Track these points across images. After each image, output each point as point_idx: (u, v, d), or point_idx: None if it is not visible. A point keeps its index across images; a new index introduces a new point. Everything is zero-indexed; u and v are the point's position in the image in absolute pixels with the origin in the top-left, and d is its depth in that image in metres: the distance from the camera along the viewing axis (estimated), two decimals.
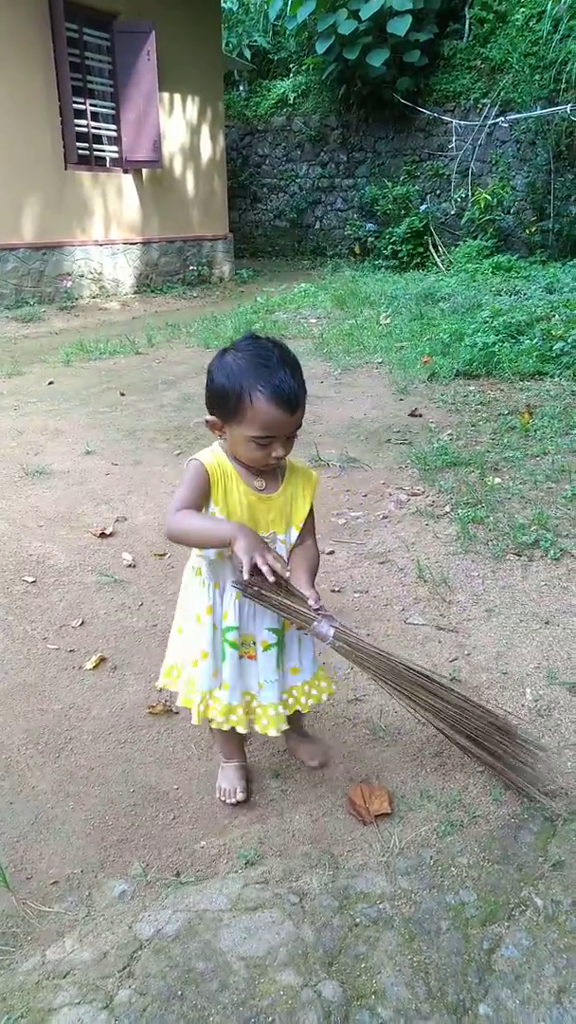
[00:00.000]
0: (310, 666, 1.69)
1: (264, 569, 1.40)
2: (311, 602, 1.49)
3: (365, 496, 3.38)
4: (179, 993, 1.29)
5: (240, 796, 1.72)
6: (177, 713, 2.02)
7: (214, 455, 1.53)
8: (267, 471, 1.54)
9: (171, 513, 1.49)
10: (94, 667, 2.22)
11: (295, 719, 1.76)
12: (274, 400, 1.41)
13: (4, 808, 1.72)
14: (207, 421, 1.51)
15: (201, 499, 1.51)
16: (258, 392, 1.40)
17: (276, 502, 1.55)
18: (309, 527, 1.62)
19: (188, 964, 1.34)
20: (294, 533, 1.58)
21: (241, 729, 1.62)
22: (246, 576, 1.42)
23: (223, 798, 1.73)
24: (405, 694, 1.60)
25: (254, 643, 1.60)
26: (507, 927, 1.40)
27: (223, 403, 1.45)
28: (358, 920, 1.42)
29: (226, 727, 1.62)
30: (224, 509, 1.51)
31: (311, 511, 1.60)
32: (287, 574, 1.48)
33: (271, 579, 1.42)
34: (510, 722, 1.74)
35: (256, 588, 1.47)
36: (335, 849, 1.59)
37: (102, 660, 2.26)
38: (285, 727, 1.63)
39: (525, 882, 1.49)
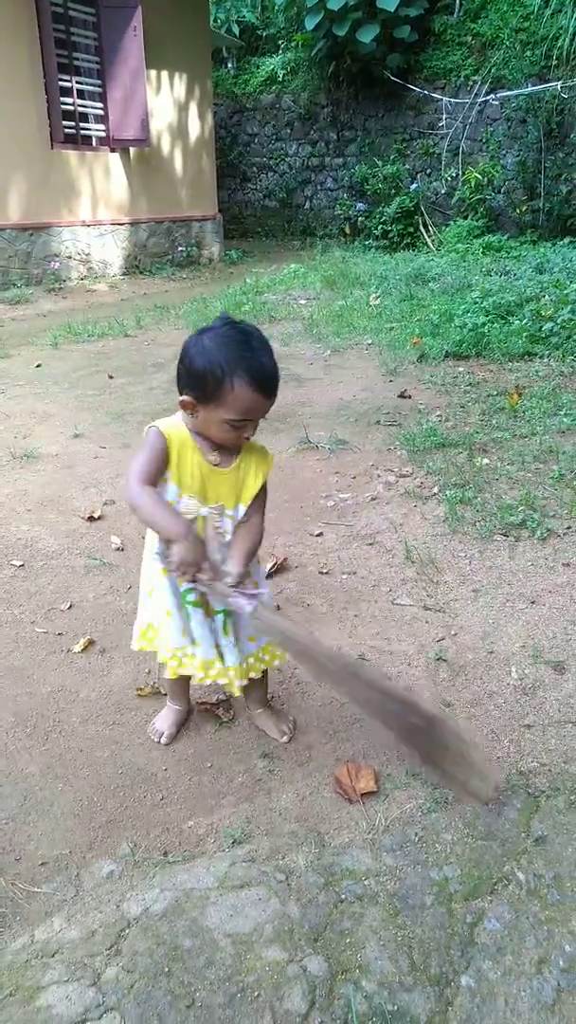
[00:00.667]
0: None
1: (192, 585, 1.53)
2: (229, 579, 1.53)
3: (354, 478, 3.38)
4: (166, 970, 1.31)
5: (164, 740, 1.86)
6: (165, 695, 2.03)
7: (172, 424, 1.57)
8: (224, 447, 1.58)
9: (132, 480, 1.52)
10: (82, 650, 2.23)
11: (258, 693, 1.87)
12: (255, 385, 1.44)
13: None
14: (180, 401, 1.53)
15: (159, 466, 1.55)
16: (239, 377, 1.43)
17: (228, 477, 1.59)
18: (258, 504, 1.64)
19: (175, 941, 1.36)
20: (242, 510, 1.63)
21: (223, 682, 1.72)
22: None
23: (152, 735, 1.88)
24: (325, 676, 1.61)
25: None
26: (490, 901, 1.42)
27: (201, 385, 1.47)
28: (343, 896, 1.44)
29: (207, 682, 1.74)
30: (176, 476, 1.57)
31: (263, 489, 1.64)
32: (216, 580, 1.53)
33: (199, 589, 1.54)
34: (438, 714, 1.66)
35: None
36: (321, 827, 1.61)
37: (90, 643, 2.26)
38: (243, 683, 1.73)
39: (508, 857, 1.51)
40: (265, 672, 1.82)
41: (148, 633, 1.77)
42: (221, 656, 1.71)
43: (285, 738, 1.87)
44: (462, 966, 1.31)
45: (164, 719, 1.90)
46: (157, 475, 1.55)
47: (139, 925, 1.40)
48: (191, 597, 1.64)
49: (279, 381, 1.50)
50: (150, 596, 1.73)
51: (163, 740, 1.86)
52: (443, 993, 1.27)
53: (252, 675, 1.77)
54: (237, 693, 1.74)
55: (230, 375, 1.43)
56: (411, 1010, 1.25)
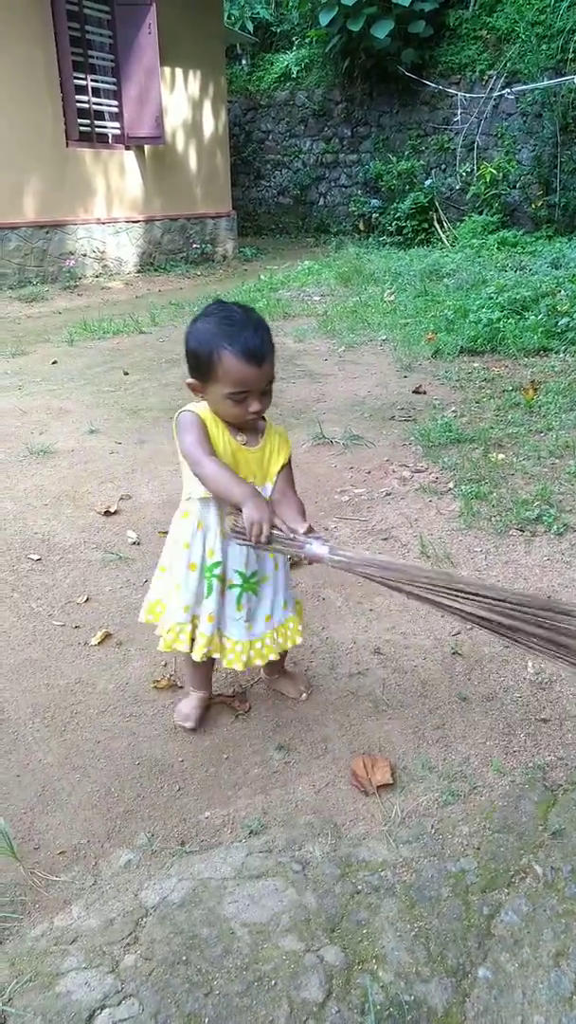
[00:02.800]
0: (280, 613, 1.80)
1: (262, 538, 1.51)
2: (301, 530, 1.57)
3: (369, 473, 3.38)
4: (184, 958, 1.32)
5: (191, 724, 1.87)
6: (181, 687, 2.04)
7: (199, 407, 1.65)
8: (247, 427, 1.66)
9: (196, 454, 1.58)
10: (99, 643, 2.24)
11: (275, 662, 1.90)
12: (240, 355, 1.52)
13: (12, 781, 1.74)
14: (188, 384, 1.64)
15: (207, 438, 1.61)
16: (225, 349, 1.52)
17: (256, 455, 1.68)
18: (288, 479, 1.71)
19: (193, 930, 1.37)
20: (269, 488, 1.69)
21: (218, 656, 1.77)
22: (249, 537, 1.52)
23: (177, 720, 1.90)
24: (417, 594, 1.57)
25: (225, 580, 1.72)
26: (507, 894, 1.42)
27: (197, 365, 1.59)
28: (360, 887, 1.44)
29: (204, 658, 1.74)
30: (206, 455, 1.62)
31: (288, 464, 1.72)
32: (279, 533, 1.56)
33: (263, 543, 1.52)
34: (543, 596, 1.65)
35: (250, 540, 1.53)
36: (337, 819, 1.61)
37: (107, 636, 2.28)
38: (238, 667, 1.76)
39: (525, 850, 1.50)
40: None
41: (156, 608, 1.81)
42: (221, 632, 1.75)
43: (304, 696, 1.96)
44: (479, 958, 1.31)
45: (188, 703, 1.92)
46: (209, 444, 1.62)
47: (157, 914, 1.41)
48: (217, 571, 1.69)
49: (269, 350, 1.56)
50: (163, 572, 1.78)
51: (189, 724, 1.87)
52: (460, 984, 1.27)
53: (263, 659, 1.79)
54: (240, 668, 1.76)
55: (217, 349, 1.53)
56: (428, 1001, 1.25)
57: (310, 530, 1.59)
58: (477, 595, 1.53)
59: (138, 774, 1.77)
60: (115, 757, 1.82)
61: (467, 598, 1.53)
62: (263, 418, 1.68)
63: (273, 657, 1.81)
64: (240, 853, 1.53)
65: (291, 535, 1.56)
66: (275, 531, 1.54)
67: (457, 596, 1.53)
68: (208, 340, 1.54)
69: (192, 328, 1.60)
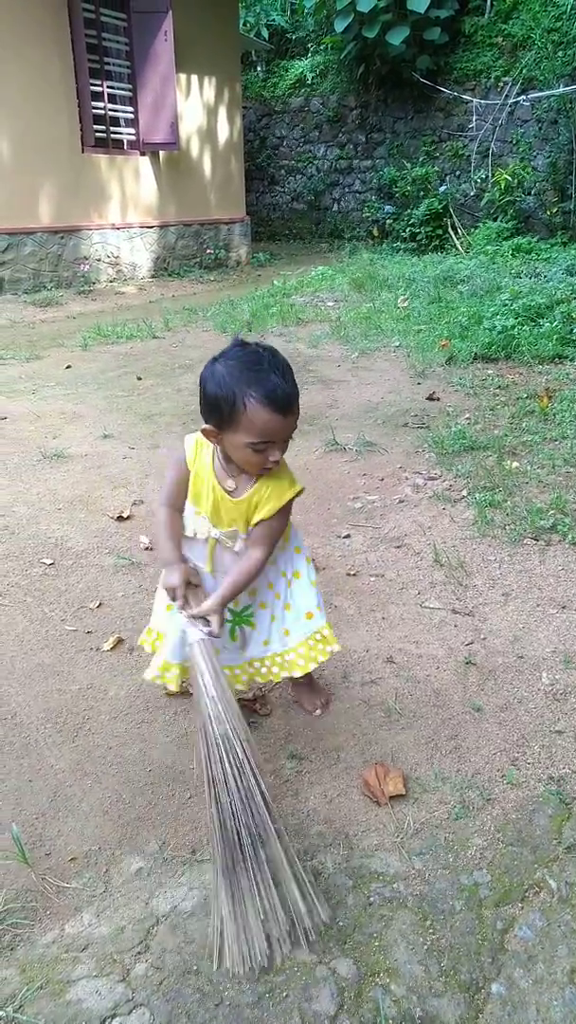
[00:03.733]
0: (279, 640, 1.78)
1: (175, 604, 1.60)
2: (194, 610, 1.57)
3: (382, 480, 3.37)
4: (195, 968, 1.31)
5: None
6: (192, 695, 2.03)
7: (197, 443, 1.62)
8: (242, 474, 1.58)
9: (159, 499, 1.66)
10: (111, 648, 2.24)
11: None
12: (267, 404, 1.42)
13: (23, 786, 1.74)
14: (203, 430, 1.54)
15: (183, 484, 1.63)
16: (251, 398, 1.41)
17: (239, 506, 1.59)
18: (261, 535, 1.59)
19: (204, 940, 1.36)
20: (241, 540, 1.64)
21: (172, 688, 1.80)
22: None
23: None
24: (200, 744, 1.50)
25: None
26: (521, 908, 1.41)
27: (217, 412, 1.46)
28: (372, 899, 1.43)
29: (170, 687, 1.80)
30: (193, 494, 1.63)
31: (273, 520, 1.58)
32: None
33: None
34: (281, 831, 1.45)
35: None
36: (349, 829, 1.60)
37: (119, 641, 2.28)
38: (240, 687, 1.82)
39: (539, 864, 1.49)
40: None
41: (151, 633, 1.84)
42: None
43: (317, 712, 1.94)
44: (493, 973, 1.30)
45: None
46: (180, 494, 1.63)
47: (168, 923, 1.40)
48: (246, 613, 1.74)
49: (296, 398, 1.46)
50: (168, 610, 1.76)
51: None
52: (473, 1000, 1.26)
53: (264, 679, 1.82)
54: (242, 687, 1.81)
55: (242, 397, 1.41)
56: (441, 1016, 1.24)
57: (211, 613, 1.55)
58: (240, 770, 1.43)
59: (149, 781, 1.76)
60: (126, 763, 1.81)
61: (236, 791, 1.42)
62: None
63: (271, 680, 1.82)
64: None
65: (189, 607, 1.59)
66: (177, 600, 1.60)
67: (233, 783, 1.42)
68: (231, 385, 1.42)
69: (211, 370, 1.47)
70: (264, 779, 1.46)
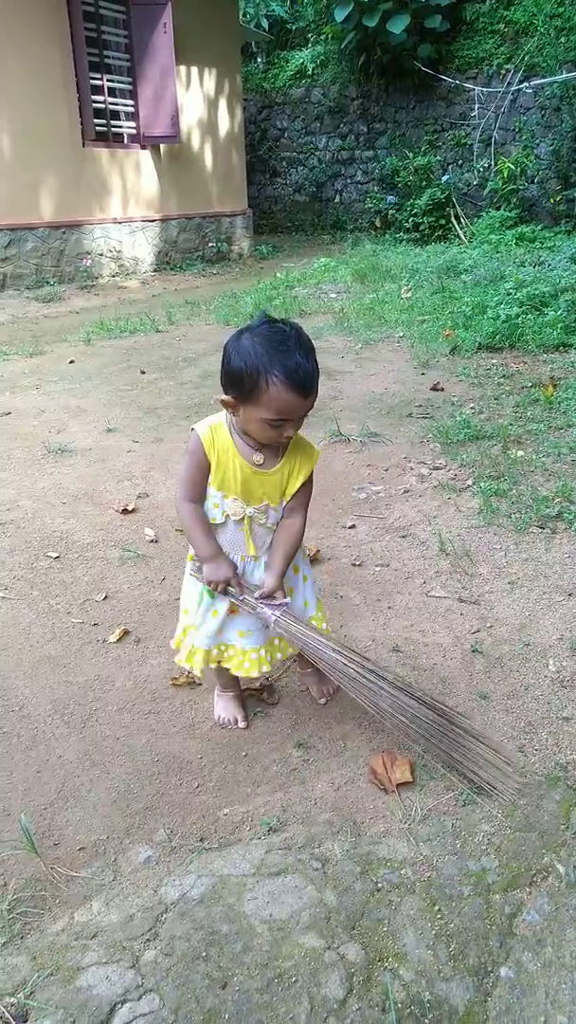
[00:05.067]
0: (300, 612, 1.79)
1: (218, 592, 1.66)
2: (257, 594, 1.64)
3: (386, 470, 3.36)
4: (203, 954, 1.32)
5: (242, 724, 1.88)
6: (200, 684, 2.04)
7: (211, 428, 1.60)
8: (265, 447, 1.60)
9: (178, 498, 1.66)
10: (118, 640, 2.25)
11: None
12: (290, 384, 1.43)
13: (32, 777, 1.75)
14: (222, 400, 1.54)
15: (202, 475, 1.62)
16: (274, 376, 1.43)
17: (272, 478, 1.61)
18: (299, 502, 1.66)
19: (212, 927, 1.37)
20: (277, 511, 1.66)
21: (196, 672, 1.81)
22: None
23: (224, 726, 1.89)
24: (346, 682, 1.66)
25: None
26: (529, 893, 1.41)
27: (239, 385, 1.48)
28: (380, 885, 1.43)
29: (211, 665, 1.81)
30: (218, 480, 1.61)
31: (306, 485, 1.66)
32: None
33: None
34: (461, 717, 1.72)
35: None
36: (357, 817, 1.60)
37: (125, 633, 2.28)
38: (266, 670, 1.78)
39: (547, 849, 1.49)
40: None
41: (186, 635, 1.83)
42: (230, 644, 1.78)
43: (323, 700, 1.95)
44: (501, 957, 1.30)
45: (226, 708, 1.91)
46: (200, 485, 1.63)
47: (177, 910, 1.41)
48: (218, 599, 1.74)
49: (317, 379, 1.48)
50: (185, 614, 1.81)
51: (241, 724, 1.87)
52: (482, 984, 1.26)
53: (269, 664, 1.80)
54: (256, 675, 1.78)
55: (266, 375, 1.42)
56: (449, 1000, 1.24)
57: (275, 590, 1.64)
58: (400, 688, 1.65)
59: (157, 771, 1.77)
60: (134, 754, 1.82)
61: (391, 691, 1.64)
62: None
63: (287, 654, 1.84)
64: (259, 850, 1.52)
65: (245, 596, 1.65)
66: (231, 588, 1.65)
67: (383, 688, 1.64)
68: (255, 361, 1.43)
69: (236, 344, 1.47)
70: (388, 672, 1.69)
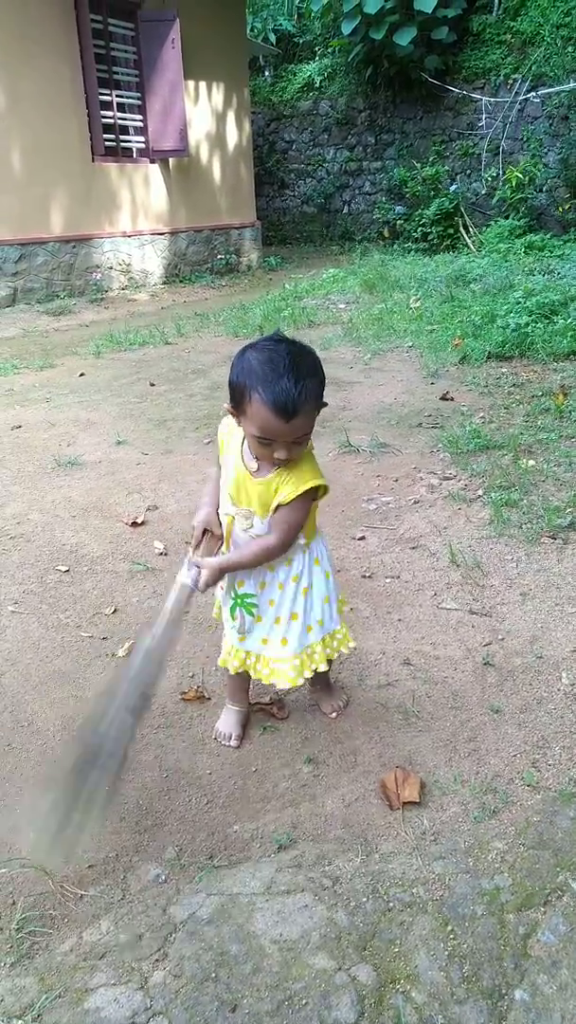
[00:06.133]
0: (277, 647, 1.74)
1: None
2: (191, 556, 1.63)
3: (396, 481, 3.35)
4: (213, 975, 1.30)
5: (234, 743, 1.87)
6: (209, 699, 2.03)
7: (232, 422, 1.64)
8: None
9: (210, 466, 1.76)
10: (127, 654, 2.24)
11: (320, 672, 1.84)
12: (270, 407, 1.44)
13: (40, 793, 1.74)
14: (228, 409, 1.58)
15: (219, 454, 1.71)
16: (257, 396, 1.45)
17: (259, 487, 1.60)
18: (278, 521, 1.60)
19: (222, 947, 1.35)
20: (259, 523, 1.63)
21: (254, 673, 1.79)
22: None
23: (218, 739, 1.88)
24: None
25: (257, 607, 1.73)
26: (543, 912, 1.38)
27: (233, 397, 1.53)
28: (391, 904, 1.41)
29: (241, 671, 1.80)
30: (224, 462, 1.68)
31: (292, 508, 1.58)
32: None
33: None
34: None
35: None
36: (368, 834, 1.58)
37: (135, 647, 2.27)
38: (287, 684, 1.73)
39: (562, 867, 1.46)
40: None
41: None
42: (258, 654, 1.77)
43: (334, 714, 1.94)
44: (516, 979, 1.28)
45: (227, 722, 1.90)
46: (219, 460, 1.71)
47: (186, 930, 1.39)
48: (248, 601, 1.72)
49: (305, 407, 1.46)
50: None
51: (233, 743, 1.86)
52: (496, 1007, 1.24)
53: (316, 667, 1.75)
54: (285, 685, 1.73)
55: (251, 392, 1.45)
56: (463, 1023, 1.21)
57: (199, 576, 1.57)
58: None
59: (166, 787, 1.76)
60: (143, 769, 1.81)
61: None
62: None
63: (322, 667, 1.77)
64: (269, 868, 1.51)
65: (193, 553, 1.66)
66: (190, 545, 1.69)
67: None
68: (245, 378, 1.46)
69: (239, 357, 1.51)
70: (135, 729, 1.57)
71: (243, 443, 1.61)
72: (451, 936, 1.35)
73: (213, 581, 1.59)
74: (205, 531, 1.69)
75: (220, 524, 1.70)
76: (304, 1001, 1.25)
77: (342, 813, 1.64)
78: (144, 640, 1.59)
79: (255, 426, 1.48)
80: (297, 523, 1.61)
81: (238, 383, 1.48)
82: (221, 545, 1.71)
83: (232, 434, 1.65)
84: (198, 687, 2.08)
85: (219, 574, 1.60)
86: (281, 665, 1.73)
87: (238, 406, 1.51)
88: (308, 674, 1.75)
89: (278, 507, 1.58)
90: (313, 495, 1.61)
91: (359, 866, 1.50)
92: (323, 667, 1.77)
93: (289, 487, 1.56)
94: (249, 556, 1.63)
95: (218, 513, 1.71)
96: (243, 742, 1.87)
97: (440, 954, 1.32)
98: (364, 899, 1.42)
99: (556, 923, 1.36)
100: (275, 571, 1.69)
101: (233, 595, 1.73)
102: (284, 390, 1.43)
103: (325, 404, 1.56)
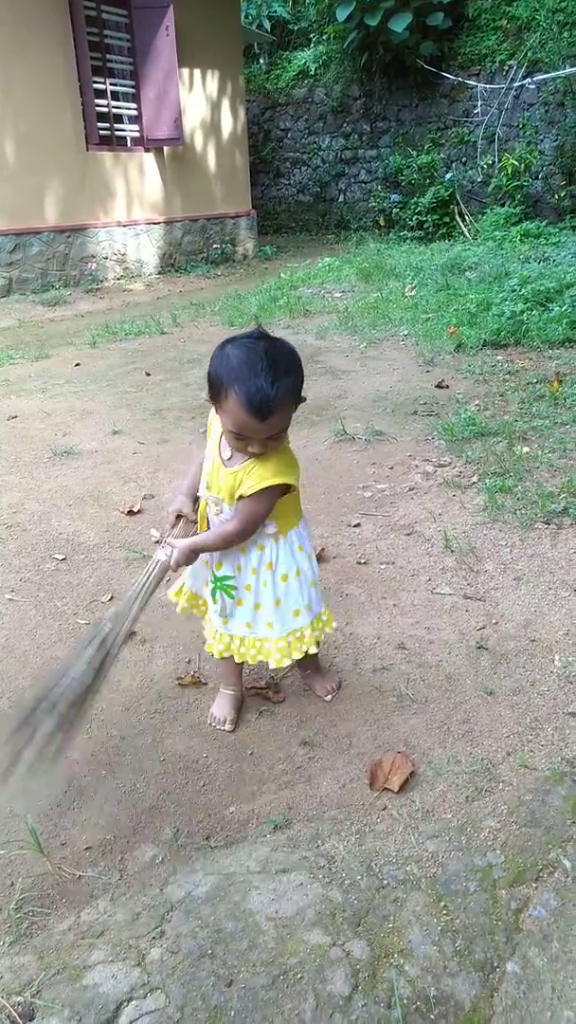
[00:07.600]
0: (264, 628, 1.76)
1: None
2: (163, 535, 1.75)
3: (391, 469, 3.36)
4: (209, 952, 1.32)
5: (228, 727, 1.88)
6: (206, 684, 2.04)
7: None
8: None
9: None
10: (123, 641, 2.25)
11: (309, 657, 1.86)
12: (245, 405, 1.46)
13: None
14: (206, 398, 1.61)
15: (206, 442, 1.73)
16: (233, 393, 1.47)
17: (228, 476, 1.62)
18: (239, 509, 1.62)
19: (218, 924, 1.37)
20: (227, 510, 1.66)
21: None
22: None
23: (212, 723, 1.90)
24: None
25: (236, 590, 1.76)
26: (535, 888, 1.40)
27: (210, 389, 1.55)
28: (385, 882, 1.43)
29: (226, 654, 1.82)
30: (207, 449, 1.71)
31: (255, 500, 1.60)
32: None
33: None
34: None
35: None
36: (362, 814, 1.60)
37: (131, 634, 2.28)
38: (274, 663, 1.75)
39: (553, 844, 1.48)
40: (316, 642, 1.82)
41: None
42: (243, 637, 1.79)
43: (329, 696, 1.95)
44: (507, 952, 1.30)
45: (221, 706, 1.92)
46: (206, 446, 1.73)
47: (182, 908, 1.41)
48: (227, 583, 1.73)
49: (279, 406, 1.47)
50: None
51: (227, 727, 1.88)
52: (488, 979, 1.26)
53: (307, 649, 1.76)
54: (272, 664, 1.75)
55: (227, 388, 1.47)
56: (455, 995, 1.24)
57: (171, 555, 1.67)
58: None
59: (163, 770, 1.77)
60: (140, 753, 1.83)
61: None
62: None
63: (313, 649, 1.79)
64: (265, 848, 1.53)
65: (169, 535, 1.73)
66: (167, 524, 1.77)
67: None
68: (222, 373, 1.48)
69: (219, 351, 1.52)
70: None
71: (223, 433, 1.62)
72: (444, 912, 1.37)
73: (184, 559, 1.68)
74: (179, 516, 1.75)
75: (194, 510, 1.75)
76: (299, 975, 1.27)
77: (337, 794, 1.66)
78: (118, 606, 1.71)
79: (230, 421, 1.51)
80: (257, 514, 1.63)
81: (216, 377, 1.51)
82: (195, 529, 1.75)
83: (215, 422, 1.67)
84: (195, 672, 2.10)
85: (190, 553, 1.67)
86: (269, 645, 1.76)
87: (215, 399, 1.54)
88: (296, 655, 1.76)
89: (240, 497, 1.60)
90: (281, 489, 1.62)
91: (353, 845, 1.52)
92: (313, 649, 1.78)
93: (253, 480, 1.58)
94: (213, 539, 1.68)
95: (197, 498, 1.75)
96: (239, 725, 1.89)
97: (433, 929, 1.34)
98: (358, 877, 1.44)
99: (547, 898, 1.38)
100: (247, 555, 1.71)
101: (212, 578, 1.75)
102: (260, 389, 1.44)
103: (304, 399, 1.56)
